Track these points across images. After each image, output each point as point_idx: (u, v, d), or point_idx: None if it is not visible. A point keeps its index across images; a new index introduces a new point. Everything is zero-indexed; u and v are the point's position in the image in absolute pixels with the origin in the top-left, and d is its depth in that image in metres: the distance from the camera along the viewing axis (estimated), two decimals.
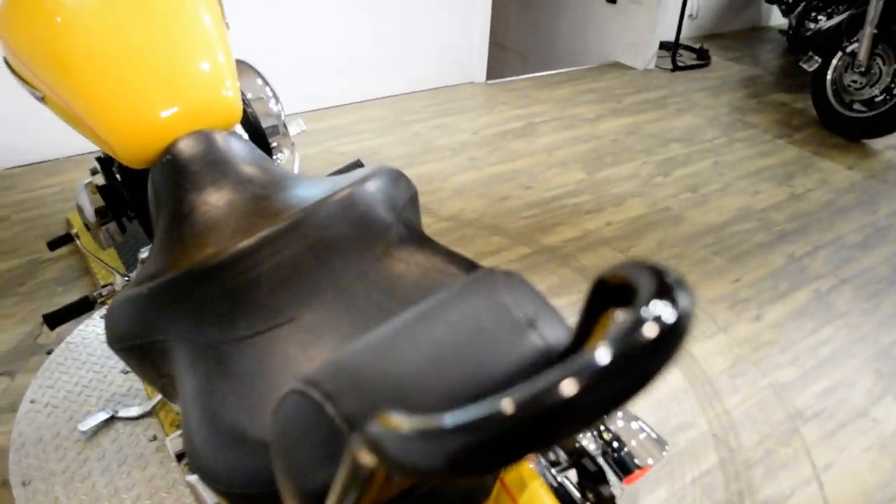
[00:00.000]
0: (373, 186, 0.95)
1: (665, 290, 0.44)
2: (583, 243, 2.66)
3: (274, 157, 1.60)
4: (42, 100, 1.24)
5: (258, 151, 1.17)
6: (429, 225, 2.72)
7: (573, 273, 2.48)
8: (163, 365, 0.82)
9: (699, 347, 2.19)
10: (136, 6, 1.19)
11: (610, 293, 0.51)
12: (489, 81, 4.16)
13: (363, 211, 0.91)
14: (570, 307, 2.32)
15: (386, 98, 3.87)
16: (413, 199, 1.01)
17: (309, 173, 3.02)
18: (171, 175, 1.07)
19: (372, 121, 3.58)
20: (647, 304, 0.43)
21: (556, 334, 0.61)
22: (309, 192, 0.97)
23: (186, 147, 1.11)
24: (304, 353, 0.75)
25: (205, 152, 1.10)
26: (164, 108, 1.13)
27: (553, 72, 4.47)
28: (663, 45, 4.74)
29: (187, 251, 0.89)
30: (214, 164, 1.08)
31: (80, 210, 1.49)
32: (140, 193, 1.39)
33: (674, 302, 0.43)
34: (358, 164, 1.81)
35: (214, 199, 1.00)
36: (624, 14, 4.54)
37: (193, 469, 0.69)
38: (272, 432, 0.58)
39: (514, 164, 3.22)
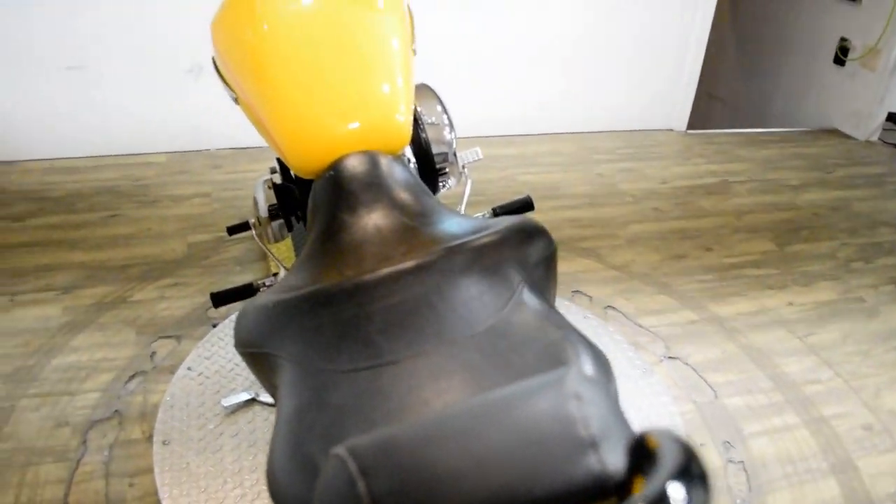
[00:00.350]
0: (509, 240, 0.92)
1: (686, 475, 0.46)
2: (757, 320, 2.46)
3: (440, 183, 1.62)
4: (235, 100, 1.34)
5: (416, 180, 1.18)
6: (594, 272, 2.64)
7: (738, 350, 2.30)
8: (273, 377, 0.85)
9: (867, 462, 1.95)
10: (333, 24, 1.25)
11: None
12: (689, 131, 3.99)
13: (490, 265, 0.89)
14: (727, 385, 2.15)
15: (578, 133, 3.82)
16: (550, 258, 0.97)
17: (474, 200, 3.04)
18: (330, 190, 1.11)
19: (559, 154, 3.55)
20: (662, 484, 0.45)
21: (615, 459, 0.56)
22: (449, 231, 0.97)
23: (350, 166, 1.14)
24: (394, 400, 0.74)
25: (365, 174, 1.13)
26: (336, 125, 1.18)
27: (762, 130, 4.20)
28: (891, 117, 4.30)
29: (321, 271, 0.92)
30: (371, 187, 1.10)
31: (255, 203, 1.59)
32: (307, 200, 1.45)
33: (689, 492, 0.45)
34: (527, 203, 1.79)
35: (361, 223, 1.01)
36: (851, 78, 4.18)
37: (267, 485, 0.71)
38: (317, 487, 0.58)
39: (699, 222, 3.05)
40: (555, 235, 2.67)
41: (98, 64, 3.08)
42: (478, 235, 0.91)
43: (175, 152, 3.36)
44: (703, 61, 3.83)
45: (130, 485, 1.73)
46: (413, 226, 1.02)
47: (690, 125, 4.07)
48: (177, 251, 2.60)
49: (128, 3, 2.98)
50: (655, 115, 3.93)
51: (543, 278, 0.98)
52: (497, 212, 1.86)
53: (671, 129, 3.98)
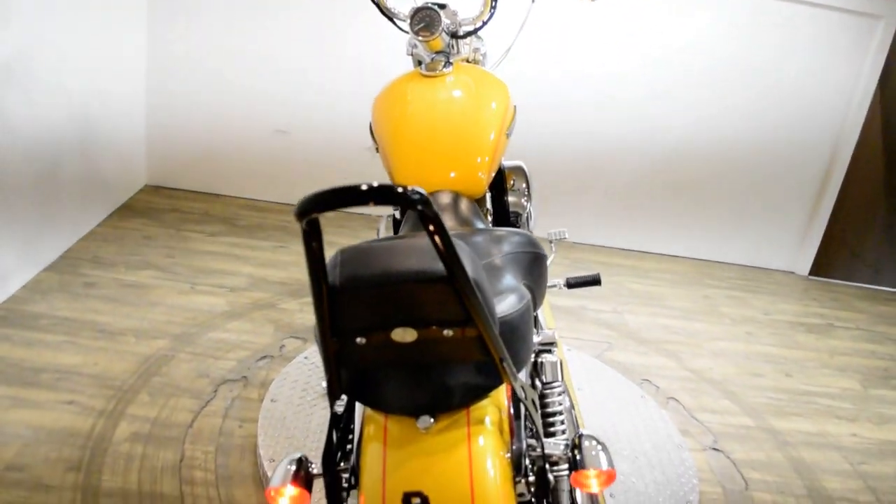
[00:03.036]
0: (519, 258, 1.32)
1: None
2: (814, 440, 2.60)
3: None
4: (376, 150, 1.88)
5: (478, 213, 1.63)
6: (669, 370, 2.90)
7: (784, 459, 2.46)
8: None
9: None
10: (455, 111, 1.77)
11: None
12: (811, 277, 4.13)
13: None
14: (761, 482, 2.32)
15: (698, 259, 4.09)
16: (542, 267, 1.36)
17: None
18: (410, 218, 1.59)
19: (672, 273, 3.85)
20: None
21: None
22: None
23: (439, 196, 1.62)
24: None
25: (446, 202, 1.60)
26: (436, 171, 1.68)
27: (889, 289, 4.24)
28: None
29: None
30: (446, 208, 1.57)
31: (377, 232, 2.11)
32: None
33: None
34: (596, 279, 2.17)
35: None
36: None
37: None
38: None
39: (788, 352, 3.21)
40: (643, 336, 3.09)
41: (299, 131, 3.85)
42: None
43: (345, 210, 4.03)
44: (848, 211, 3.99)
45: (240, 426, 2.23)
46: (461, 231, 1.46)
47: (817, 272, 4.20)
48: None
49: (327, 85, 3.74)
50: (777, 256, 4.12)
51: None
52: (570, 283, 2.25)
53: (793, 272, 4.15)
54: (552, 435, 1.37)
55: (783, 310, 3.64)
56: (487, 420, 1.03)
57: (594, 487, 1.06)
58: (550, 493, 1.23)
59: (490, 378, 1.01)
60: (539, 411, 1.21)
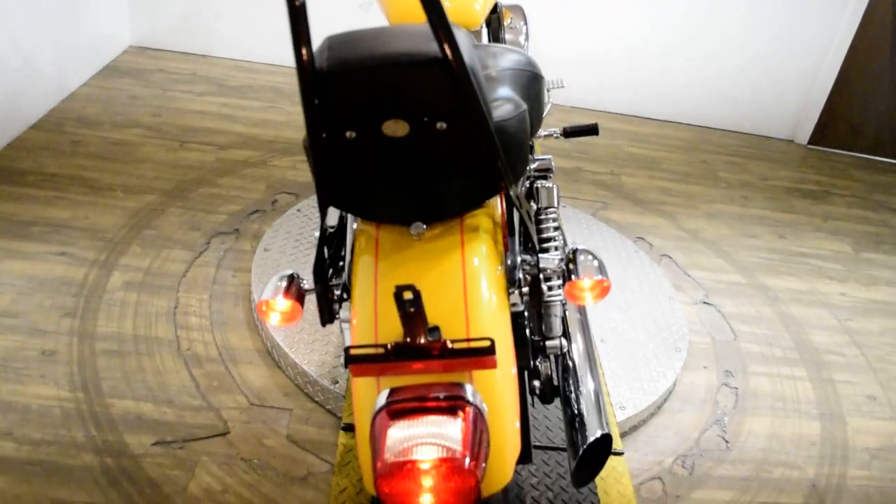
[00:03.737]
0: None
1: None
2: (803, 297, 2.63)
3: None
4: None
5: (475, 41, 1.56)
6: (664, 229, 2.89)
7: (773, 314, 2.49)
8: None
9: (857, 421, 2.12)
10: None
11: None
12: (811, 146, 4.08)
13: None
14: (749, 334, 2.36)
15: (699, 127, 4.01)
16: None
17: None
18: None
19: (672, 139, 3.78)
20: None
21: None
22: None
23: None
24: None
25: None
26: None
27: (890, 160, 4.20)
28: None
29: None
30: None
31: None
32: None
33: None
34: (594, 128, 2.11)
35: None
36: None
37: None
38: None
39: (783, 216, 3.20)
40: (638, 197, 3.02)
41: None
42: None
43: None
44: (850, 85, 3.90)
45: (233, 275, 2.23)
46: None
47: (818, 142, 4.14)
48: None
49: None
50: (779, 124, 4.05)
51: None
52: (567, 131, 2.19)
53: (792, 141, 4.08)
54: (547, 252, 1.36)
55: (781, 176, 3.60)
56: (481, 229, 1.01)
57: (588, 300, 1.05)
58: (543, 306, 1.23)
59: (485, 185, 0.98)
60: (535, 225, 1.18)
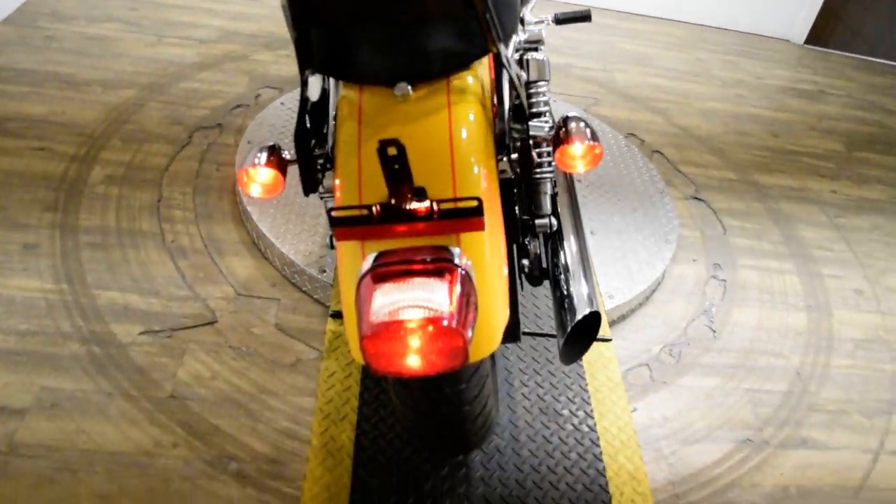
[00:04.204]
0: None
1: None
2: (794, 194, 2.61)
3: None
4: None
5: None
6: (656, 125, 2.84)
7: (763, 209, 2.48)
8: None
9: (843, 313, 2.13)
10: None
11: None
12: (807, 45, 3.98)
13: None
14: (739, 229, 2.35)
15: (696, 25, 3.90)
16: None
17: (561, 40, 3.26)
18: None
19: (668, 36, 3.68)
20: None
21: None
22: None
23: None
24: None
25: None
26: None
27: (885, 61, 4.11)
28: None
29: None
30: None
31: None
32: None
33: None
34: (587, 15, 2.03)
35: None
36: None
37: None
38: None
39: (777, 114, 3.15)
40: (631, 93, 2.93)
41: None
42: None
43: None
44: None
45: (217, 169, 2.18)
46: None
47: (814, 42, 4.04)
48: None
49: None
50: (775, 24, 3.94)
51: None
52: (559, 18, 2.11)
53: (788, 41, 3.99)
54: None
55: (776, 75, 3.53)
56: (469, 92, 0.96)
57: (579, 167, 1.02)
58: (532, 184, 1.20)
59: (472, 43, 0.93)
60: (525, 90, 1.12)
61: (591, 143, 0.98)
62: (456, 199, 0.84)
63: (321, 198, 1.06)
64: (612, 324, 1.90)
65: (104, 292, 1.83)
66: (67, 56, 2.64)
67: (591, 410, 1.54)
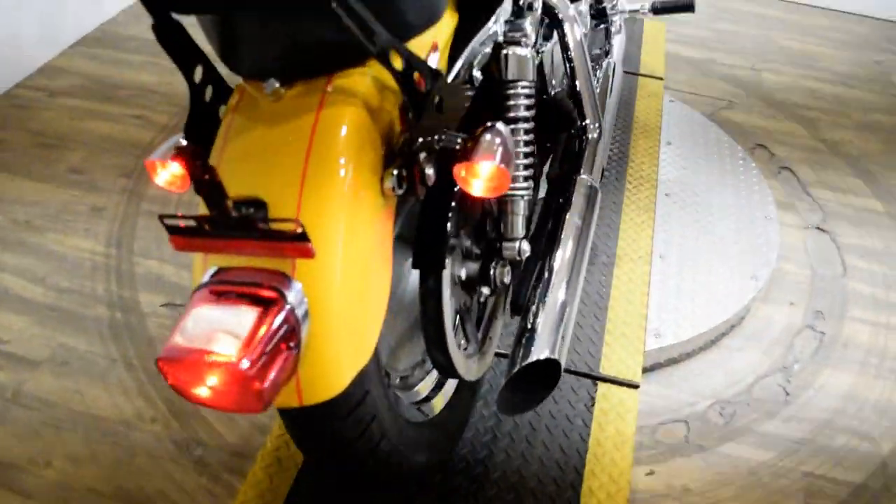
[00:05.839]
0: None
1: None
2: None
3: None
4: None
5: None
6: (796, 137, 2.44)
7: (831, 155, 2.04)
8: None
9: None
10: None
11: None
12: None
13: None
14: (866, 272, 1.95)
15: (882, 21, 3.30)
16: None
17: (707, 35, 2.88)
18: None
19: (845, 33, 3.13)
20: None
21: None
22: None
23: None
24: None
25: None
26: None
27: None
28: None
29: None
30: None
31: None
32: None
33: None
34: (689, 5, 1.78)
35: None
36: None
37: None
38: None
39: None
40: (776, 98, 2.59)
41: None
42: None
43: None
44: None
45: None
46: None
47: None
48: None
49: None
50: None
51: None
52: (657, 7, 1.85)
53: None
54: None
55: None
56: (353, 93, 0.81)
57: (476, 189, 0.83)
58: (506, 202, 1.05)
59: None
60: (438, 100, 0.90)
61: (500, 165, 0.80)
62: (281, 220, 0.72)
63: None
64: (655, 368, 1.64)
65: (144, 260, 1.87)
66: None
67: (582, 468, 1.32)
